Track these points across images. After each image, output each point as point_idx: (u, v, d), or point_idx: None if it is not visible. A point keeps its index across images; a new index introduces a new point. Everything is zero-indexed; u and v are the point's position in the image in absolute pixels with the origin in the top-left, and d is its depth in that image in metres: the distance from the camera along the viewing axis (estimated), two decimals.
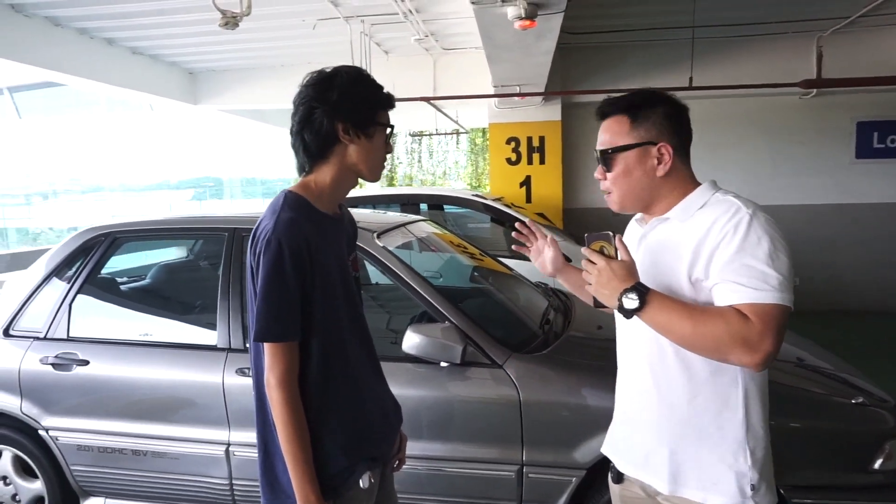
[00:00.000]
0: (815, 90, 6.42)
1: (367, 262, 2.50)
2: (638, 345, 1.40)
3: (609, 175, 1.37)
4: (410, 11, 5.14)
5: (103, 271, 2.83)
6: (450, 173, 14.44)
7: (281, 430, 1.36)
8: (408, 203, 5.53)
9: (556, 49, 5.23)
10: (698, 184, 1.37)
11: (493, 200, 5.60)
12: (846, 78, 5.62)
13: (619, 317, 1.40)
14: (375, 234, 2.48)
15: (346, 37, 5.65)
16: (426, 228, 3.44)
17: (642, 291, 1.20)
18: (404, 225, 3.00)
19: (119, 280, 3.42)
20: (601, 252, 1.29)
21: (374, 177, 1.50)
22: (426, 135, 12.12)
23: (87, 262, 2.64)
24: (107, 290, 2.93)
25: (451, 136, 13.44)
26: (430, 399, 2.21)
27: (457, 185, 10.83)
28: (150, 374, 2.47)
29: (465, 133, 12.14)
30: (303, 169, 1.47)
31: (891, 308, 6.69)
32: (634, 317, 1.23)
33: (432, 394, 2.20)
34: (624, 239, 1.48)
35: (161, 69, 7.08)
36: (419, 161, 14.52)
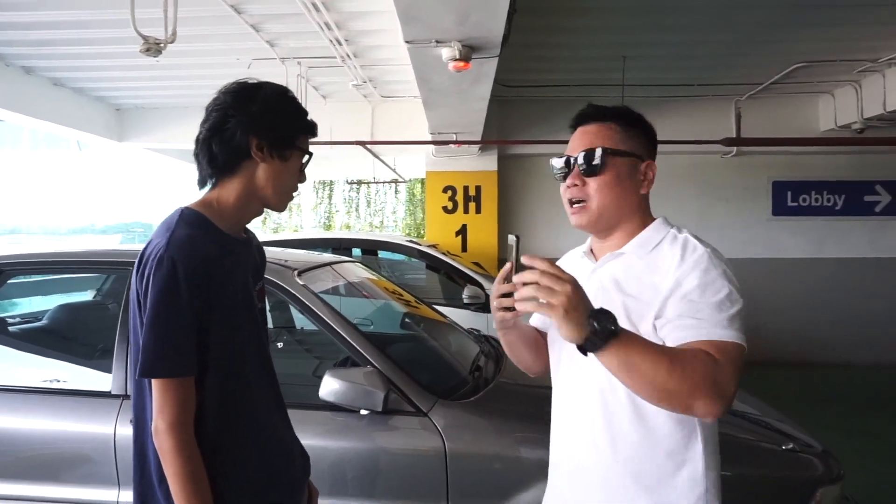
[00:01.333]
0: (735, 150, 6.78)
1: (289, 304, 2.33)
2: (587, 392, 1.24)
3: (593, 180, 1.24)
4: (348, 56, 5.11)
5: None
6: (387, 223, 14.34)
7: (174, 484, 1.16)
8: (341, 247, 5.38)
9: (492, 101, 5.32)
10: (653, 217, 1.31)
11: (427, 247, 5.53)
12: (763, 138, 5.97)
13: (563, 358, 1.30)
14: (296, 272, 2.33)
15: (282, 79, 5.56)
16: (357, 272, 3.30)
17: (613, 320, 1.00)
18: (330, 265, 2.85)
19: (10, 321, 3.09)
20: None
21: (280, 205, 1.35)
22: (364, 183, 12.03)
23: None
24: None
25: (389, 186, 13.42)
26: (349, 451, 2.02)
27: (394, 234, 10.76)
28: (35, 425, 2.18)
29: (404, 182, 12.15)
30: (203, 183, 1.32)
31: (809, 358, 6.94)
32: (587, 357, 1.03)
33: (352, 445, 2.02)
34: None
35: (85, 103, 6.75)
36: (356, 209, 14.37)
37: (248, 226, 1.43)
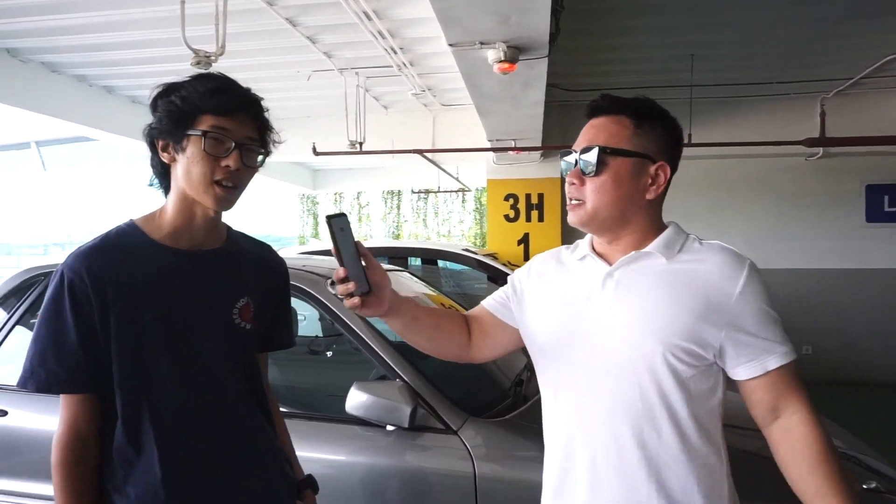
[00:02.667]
0: (820, 151, 6.28)
1: (320, 313, 2.29)
2: (607, 397, 1.13)
3: (591, 180, 1.15)
4: (404, 64, 5.11)
5: None
6: (454, 232, 14.34)
7: (56, 499, 1.14)
8: (396, 256, 5.35)
9: (554, 106, 5.18)
10: (664, 224, 1.21)
11: (485, 256, 5.41)
12: (851, 137, 5.47)
13: (570, 335, 1.19)
14: (329, 282, 2.27)
15: (341, 90, 5.63)
16: (404, 282, 3.23)
17: None
18: None
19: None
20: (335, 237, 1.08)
21: (205, 198, 1.19)
22: (431, 192, 12.08)
23: (21, 304, 2.44)
24: None
25: (456, 195, 13.41)
26: (372, 467, 1.94)
27: (459, 244, 10.75)
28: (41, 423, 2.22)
29: (469, 191, 12.11)
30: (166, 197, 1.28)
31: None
32: (603, 352, 1.12)
33: (376, 461, 1.94)
34: (539, 268, 1.31)
35: None
36: (424, 219, 14.45)
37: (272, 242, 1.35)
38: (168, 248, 1.22)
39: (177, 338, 1.21)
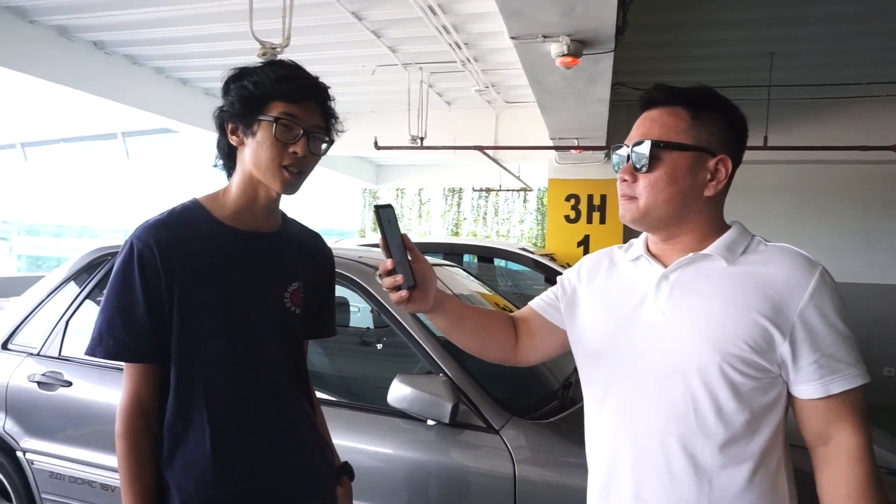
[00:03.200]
0: None
1: (368, 304, 2.29)
2: (661, 405, 1.07)
3: (644, 177, 1.09)
4: (468, 60, 5.08)
5: None
6: (514, 232, 14.21)
7: (119, 468, 1.18)
8: (452, 252, 5.33)
9: (620, 105, 5.01)
10: (726, 224, 1.13)
11: (542, 256, 5.31)
12: None
13: (618, 375, 1.13)
14: (378, 274, 2.27)
15: (404, 85, 5.66)
16: (457, 278, 3.21)
17: None
18: None
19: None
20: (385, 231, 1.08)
21: (272, 182, 1.22)
22: (492, 190, 12.01)
23: (90, 281, 2.56)
24: None
25: (517, 194, 13.29)
26: (411, 461, 1.92)
27: (515, 243, 10.68)
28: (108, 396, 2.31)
29: (531, 191, 11.95)
30: (229, 179, 1.32)
31: None
32: (655, 358, 1.06)
33: (416, 455, 1.92)
34: (591, 268, 1.25)
35: None
36: (484, 217, 14.40)
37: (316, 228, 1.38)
38: (230, 227, 1.26)
39: (235, 318, 1.24)
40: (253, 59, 4.29)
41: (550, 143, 5.68)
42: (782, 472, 1.07)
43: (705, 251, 1.09)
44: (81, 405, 2.35)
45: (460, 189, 13.97)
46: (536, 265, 5.32)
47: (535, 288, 5.66)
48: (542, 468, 1.81)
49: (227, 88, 1.24)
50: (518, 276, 6.09)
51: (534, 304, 1.33)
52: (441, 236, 11.77)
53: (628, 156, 1.11)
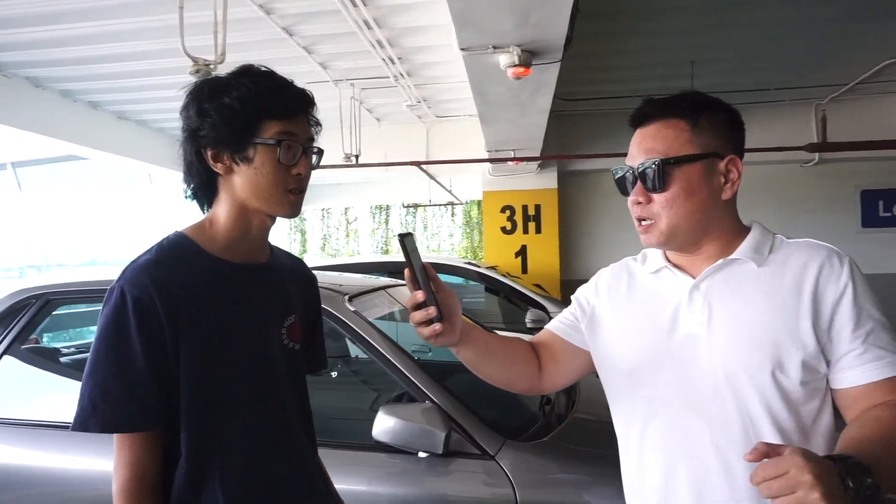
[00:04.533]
0: (816, 158, 6.29)
1: (340, 330, 2.15)
2: (713, 420, 1.01)
3: (660, 196, 1.03)
4: (401, 74, 5.01)
5: (45, 341, 2.47)
6: (444, 246, 14.22)
7: None
8: (397, 271, 5.21)
9: (551, 116, 5.09)
10: (745, 225, 1.10)
11: (486, 269, 5.30)
12: (852, 142, 5.46)
13: (657, 395, 1.06)
14: (346, 298, 2.14)
15: (335, 102, 5.52)
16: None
17: (865, 469, 0.79)
18: (384, 288, 2.66)
19: (65, 351, 3.04)
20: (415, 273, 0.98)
21: (276, 210, 1.09)
22: (420, 206, 11.97)
23: (12, 329, 2.27)
24: (38, 360, 2.55)
25: (445, 209, 13.32)
26: (406, 498, 1.79)
27: (451, 256, 10.68)
28: (75, 464, 2.05)
29: (460, 204, 12.02)
30: (204, 212, 1.14)
31: None
32: (702, 372, 0.99)
33: (409, 491, 1.79)
34: (609, 286, 1.19)
35: (147, 134, 6.94)
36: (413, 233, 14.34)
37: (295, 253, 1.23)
38: (225, 261, 1.10)
39: (252, 362, 1.09)
40: (172, 78, 4.09)
41: (486, 156, 5.70)
42: None
43: (734, 255, 1.05)
44: (10, 474, 2.05)
45: (388, 206, 13.85)
46: (481, 277, 5.30)
47: (477, 300, 5.66)
48: (543, 490, 1.73)
49: (200, 109, 1.06)
50: (458, 289, 6.06)
51: (552, 327, 1.26)
52: (373, 256, 11.59)
53: (635, 177, 1.06)
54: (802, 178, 6.63)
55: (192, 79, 2.85)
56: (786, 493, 0.76)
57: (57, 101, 5.54)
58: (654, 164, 1.02)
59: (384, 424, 1.75)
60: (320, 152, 1.15)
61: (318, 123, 1.16)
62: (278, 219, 1.14)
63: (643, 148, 1.05)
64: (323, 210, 13.68)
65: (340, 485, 1.79)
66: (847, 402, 1.01)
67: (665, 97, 1.08)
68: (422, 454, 1.76)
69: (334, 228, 14.07)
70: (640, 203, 1.05)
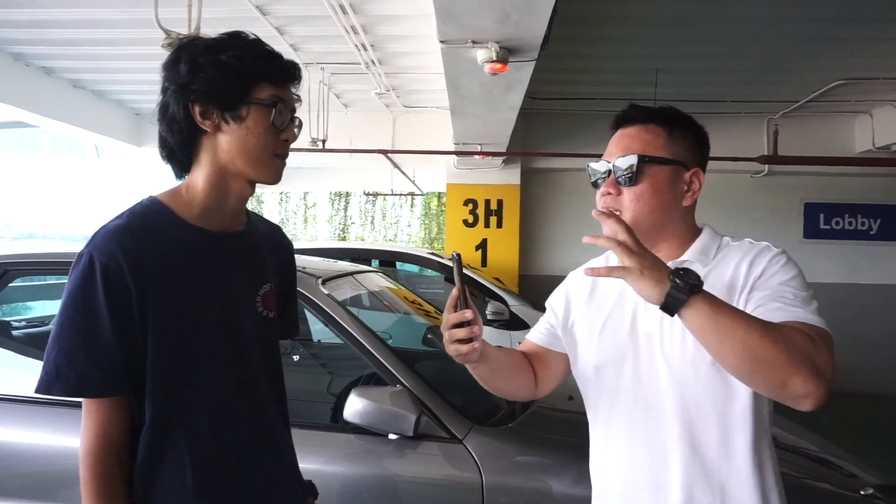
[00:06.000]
0: (766, 170, 6.58)
1: (308, 314, 2.16)
2: (663, 423, 1.10)
3: (630, 190, 1.12)
4: (373, 62, 4.99)
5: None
6: (401, 236, 14.22)
7: None
8: (359, 258, 5.21)
9: (518, 113, 5.17)
10: (698, 229, 1.19)
11: (448, 259, 5.35)
12: (801, 156, 5.75)
13: (622, 385, 1.14)
14: (320, 280, 2.16)
15: (304, 85, 5.43)
16: (377, 281, 3.14)
17: (696, 276, 0.92)
18: (353, 274, 2.68)
19: (15, 325, 2.94)
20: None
21: (263, 174, 1.09)
22: (381, 195, 11.92)
23: None
24: None
25: (405, 199, 13.32)
26: (375, 478, 1.83)
27: (413, 246, 10.72)
28: (38, 438, 2.01)
29: (421, 195, 12.04)
30: (180, 178, 1.13)
31: (840, 387, 6.64)
32: (657, 367, 1.07)
33: (378, 472, 1.83)
34: (576, 289, 1.27)
35: (104, 106, 6.69)
36: (372, 222, 14.26)
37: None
38: (199, 228, 1.09)
39: (218, 335, 1.09)
40: (134, 49, 3.98)
41: (453, 148, 5.74)
42: (775, 463, 1.13)
43: (682, 258, 1.14)
44: None
45: (347, 193, 13.73)
46: (442, 267, 5.36)
47: (436, 289, 5.72)
48: (508, 475, 1.80)
49: (193, 63, 1.04)
50: (417, 278, 6.12)
51: (534, 338, 1.33)
52: (335, 242, 11.49)
53: (609, 171, 1.15)
54: (752, 188, 6.92)
55: (161, 51, 2.79)
56: (620, 249, 0.93)
57: (7, 64, 5.28)
58: (630, 159, 1.11)
59: (356, 406, 1.79)
60: (300, 125, 1.18)
61: (299, 98, 1.17)
62: None
63: (621, 146, 1.15)
64: (281, 194, 13.48)
65: (311, 464, 1.83)
66: None
67: (647, 106, 1.19)
68: (392, 436, 1.81)
69: (292, 213, 13.89)
70: (609, 194, 1.14)
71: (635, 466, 1.13)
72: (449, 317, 1.04)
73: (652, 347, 1.11)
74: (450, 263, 4.63)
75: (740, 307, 1.03)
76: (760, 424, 1.10)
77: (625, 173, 1.12)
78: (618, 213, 1.12)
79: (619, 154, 1.14)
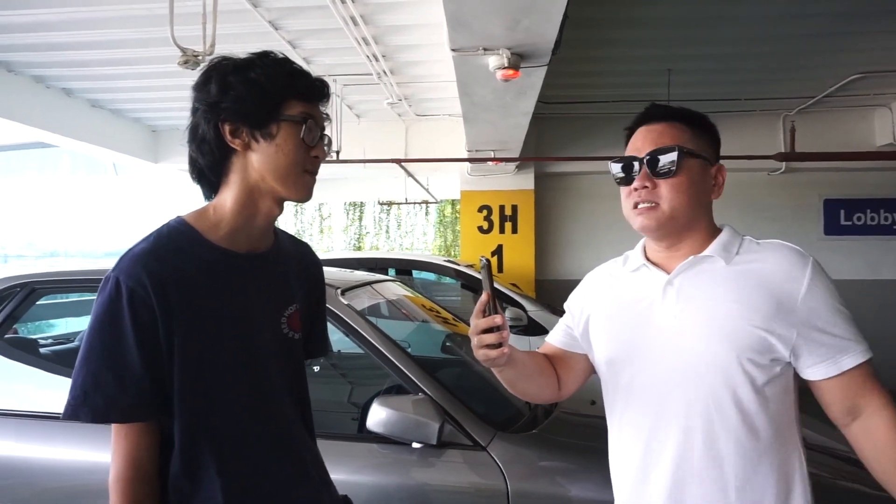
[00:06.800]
0: (783, 167, 6.50)
1: (328, 324, 2.17)
2: (682, 422, 1.10)
3: (666, 182, 1.13)
4: (384, 72, 5.03)
5: (23, 332, 2.43)
6: (417, 244, 14.25)
7: None
8: (377, 267, 5.23)
9: (531, 118, 5.17)
10: (717, 227, 1.21)
11: (465, 267, 5.36)
12: (818, 152, 5.68)
13: (636, 383, 1.16)
14: (340, 291, 2.17)
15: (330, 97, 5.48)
16: (395, 290, 3.14)
17: None
18: (371, 283, 2.69)
19: (42, 342, 2.99)
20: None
21: (292, 192, 1.09)
22: (395, 204, 11.97)
23: None
24: (18, 352, 2.50)
25: (420, 207, 13.35)
26: (399, 488, 1.83)
27: (429, 254, 10.77)
28: (65, 455, 2.04)
29: (435, 203, 12.07)
30: (209, 199, 1.14)
31: None
32: (674, 361, 1.10)
33: (402, 481, 1.83)
34: (593, 288, 1.29)
35: (122, 124, 6.80)
36: (387, 231, 14.31)
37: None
38: (226, 251, 1.10)
39: (244, 357, 1.09)
40: (148, 67, 4.03)
41: (466, 155, 5.75)
42: (797, 455, 1.12)
43: (705, 252, 1.15)
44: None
45: (362, 203, 13.80)
46: (458, 274, 5.37)
47: (452, 297, 5.72)
48: (533, 481, 1.79)
49: (224, 82, 1.05)
50: (434, 286, 6.13)
51: (553, 340, 1.34)
52: (351, 252, 11.53)
53: (642, 164, 1.15)
54: (769, 186, 6.85)
55: (178, 68, 2.83)
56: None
57: (30, 86, 5.39)
58: (672, 150, 1.13)
59: (379, 415, 1.79)
60: (330, 142, 1.19)
61: (328, 116, 1.19)
62: None
63: (650, 140, 1.16)
64: (296, 206, 13.58)
65: (336, 475, 1.83)
66: (824, 395, 1.11)
67: (670, 105, 1.21)
68: (415, 445, 1.81)
69: (307, 224, 13.98)
70: (645, 188, 1.14)
71: (652, 462, 1.13)
72: (478, 322, 1.04)
73: (669, 340, 1.12)
74: (468, 271, 4.61)
75: (783, 317, 1.07)
76: (783, 422, 1.10)
77: (665, 165, 1.13)
78: (652, 204, 1.14)
79: (650, 147, 1.15)
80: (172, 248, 1.06)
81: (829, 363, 1.08)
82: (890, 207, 6.81)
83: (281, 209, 1.14)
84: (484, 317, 1.03)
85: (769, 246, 1.15)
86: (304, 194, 1.11)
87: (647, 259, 1.21)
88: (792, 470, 1.11)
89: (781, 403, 1.10)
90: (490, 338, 1.03)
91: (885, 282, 6.80)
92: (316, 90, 1.11)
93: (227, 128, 1.06)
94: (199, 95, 1.08)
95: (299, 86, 1.08)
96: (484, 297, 1.03)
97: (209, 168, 1.10)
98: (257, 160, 1.07)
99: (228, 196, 1.10)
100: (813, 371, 1.09)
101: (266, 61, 1.08)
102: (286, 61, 1.10)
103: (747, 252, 1.15)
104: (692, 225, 1.16)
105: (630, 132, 1.23)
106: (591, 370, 1.31)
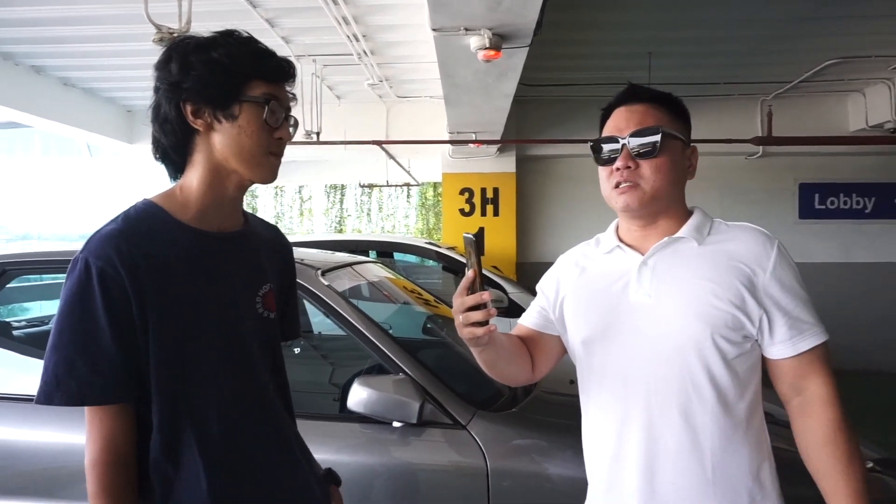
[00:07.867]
0: (760, 151, 6.58)
1: (308, 305, 2.17)
2: (657, 382, 1.12)
3: (648, 162, 1.15)
4: (365, 53, 4.97)
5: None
6: (398, 227, 14.22)
7: None
8: (357, 249, 5.22)
9: (512, 101, 5.16)
10: (689, 209, 1.24)
11: (447, 249, 5.37)
12: (795, 136, 5.76)
13: (610, 360, 1.18)
14: (320, 272, 2.16)
15: (297, 77, 5.41)
16: (377, 272, 3.14)
17: None
18: (352, 265, 2.69)
19: (15, 325, 2.94)
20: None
21: (256, 173, 1.08)
22: (376, 186, 11.92)
23: None
24: None
25: (401, 190, 13.30)
26: (381, 466, 1.85)
27: (410, 236, 10.76)
28: (39, 437, 2.02)
29: (417, 186, 12.03)
30: (174, 179, 1.12)
31: (839, 366, 6.67)
32: (650, 339, 1.13)
33: (384, 460, 1.85)
34: (567, 270, 1.30)
35: (95, 104, 6.65)
36: (368, 214, 14.26)
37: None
38: (196, 230, 1.09)
39: (220, 337, 1.09)
40: (123, 45, 3.91)
41: (447, 137, 5.73)
42: (764, 429, 1.17)
43: (679, 234, 1.17)
44: None
45: (343, 186, 13.72)
46: (440, 257, 5.38)
47: (433, 279, 5.74)
48: (512, 459, 1.82)
49: (184, 61, 1.03)
50: (415, 269, 6.14)
51: (526, 322, 1.34)
52: (332, 234, 11.48)
53: (623, 145, 1.16)
54: (746, 169, 6.93)
55: (152, 46, 2.76)
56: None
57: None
58: (655, 132, 1.14)
59: (359, 395, 1.80)
60: (296, 123, 1.17)
61: (294, 97, 1.17)
62: None
63: (634, 121, 1.17)
64: (276, 188, 13.46)
65: (317, 455, 1.84)
66: (777, 371, 1.16)
67: (647, 87, 1.22)
68: (396, 424, 1.82)
69: (288, 207, 13.88)
70: (628, 168, 1.15)
71: (625, 440, 1.15)
72: (465, 299, 1.01)
73: (644, 319, 1.14)
74: (449, 253, 4.59)
75: (751, 296, 1.11)
76: (753, 398, 1.13)
77: (646, 146, 1.14)
78: (633, 184, 1.15)
79: (633, 127, 1.16)
80: (144, 230, 1.04)
81: (787, 344, 1.12)
82: (862, 192, 6.94)
83: (248, 185, 1.13)
84: (469, 294, 1.01)
85: (738, 228, 1.18)
86: (268, 176, 1.10)
87: (621, 240, 1.23)
88: (761, 443, 1.15)
89: (750, 379, 1.14)
90: (477, 315, 1.01)
91: (858, 264, 6.95)
92: (280, 70, 1.09)
93: (188, 108, 1.04)
94: (161, 74, 1.06)
95: (263, 66, 1.06)
96: (470, 273, 1.01)
97: (172, 148, 1.08)
98: (220, 141, 1.06)
99: (194, 176, 1.09)
100: (773, 350, 1.13)
101: (229, 41, 1.06)
102: (250, 40, 1.08)
103: (717, 233, 1.18)
104: (669, 205, 1.19)
105: (606, 113, 1.24)
106: (563, 351, 1.32)
